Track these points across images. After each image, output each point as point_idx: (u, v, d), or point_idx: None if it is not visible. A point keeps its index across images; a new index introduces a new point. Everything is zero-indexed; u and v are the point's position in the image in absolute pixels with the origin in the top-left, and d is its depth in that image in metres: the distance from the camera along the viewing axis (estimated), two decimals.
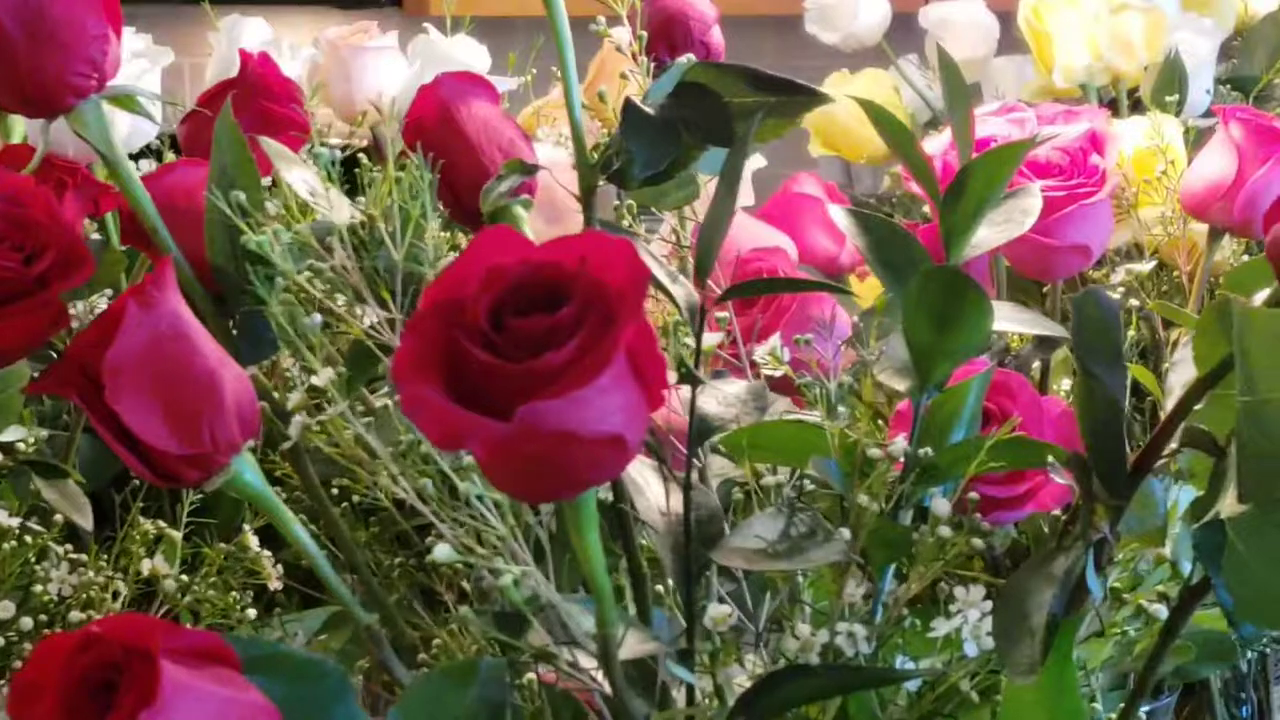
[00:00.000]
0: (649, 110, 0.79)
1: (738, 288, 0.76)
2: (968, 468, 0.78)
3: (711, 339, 0.75)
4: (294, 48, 1.35)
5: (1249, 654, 1.29)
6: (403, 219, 0.75)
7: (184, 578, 1.00)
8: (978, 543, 0.77)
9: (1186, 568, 0.83)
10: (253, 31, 1.37)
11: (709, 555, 0.74)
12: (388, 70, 1.38)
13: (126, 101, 0.80)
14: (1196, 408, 0.75)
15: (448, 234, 0.95)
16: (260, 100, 1.02)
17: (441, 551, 0.64)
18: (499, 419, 0.53)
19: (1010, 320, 0.88)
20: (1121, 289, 1.19)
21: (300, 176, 0.79)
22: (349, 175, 0.82)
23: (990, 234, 0.85)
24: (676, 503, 0.77)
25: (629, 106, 0.79)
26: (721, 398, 0.76)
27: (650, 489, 0.78)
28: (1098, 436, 0.74)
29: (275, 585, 1.00)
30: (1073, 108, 1.18)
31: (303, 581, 1.01)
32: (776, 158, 1.72)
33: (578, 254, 0.55)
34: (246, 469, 0.72)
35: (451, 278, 0.55)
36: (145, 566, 0.98)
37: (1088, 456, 0.74)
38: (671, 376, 0.75)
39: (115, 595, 0.98)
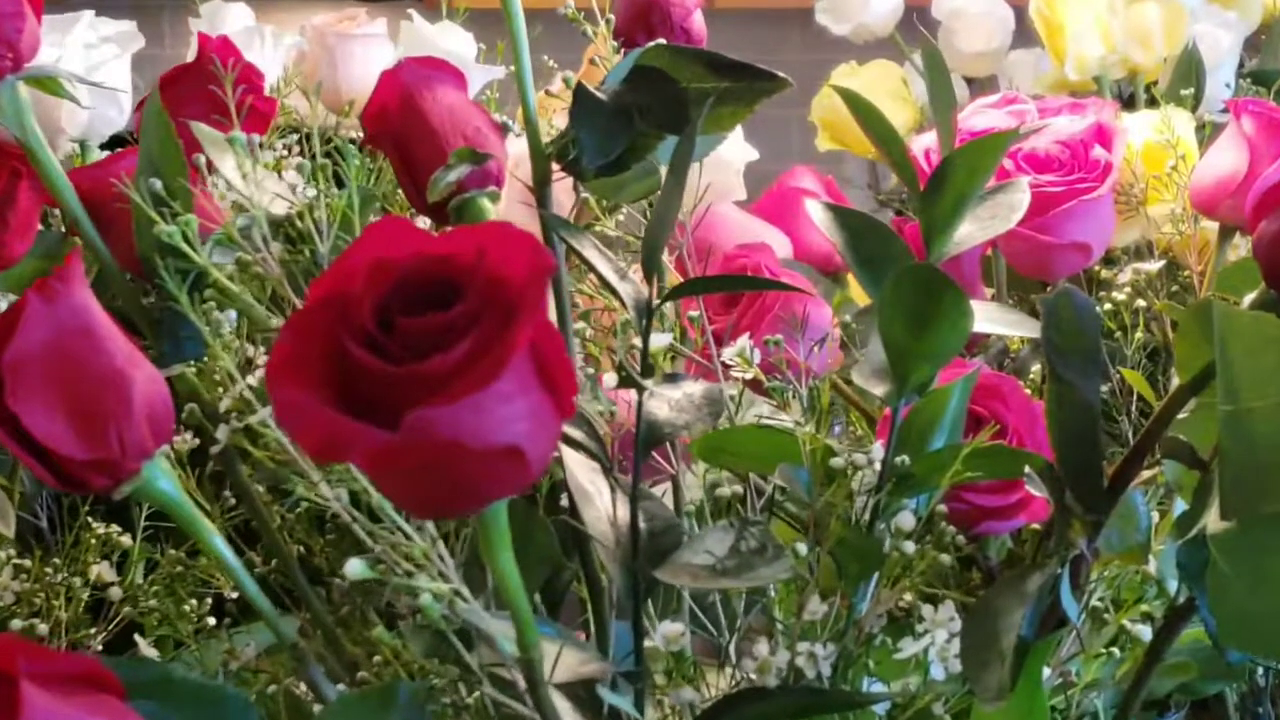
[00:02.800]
0: (600, 96, 0.74)
1: (680, 287, 0.71)
2: (944, 477, 0.74)
3: (660, 340, 0.71)
4: (276, 34, 1.31)
5: (1265, 668, 1.24)
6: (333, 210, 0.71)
7: (139, 583, 0.96)
8: (945, 558, 0.72)
9: (1173, 586, 0.78)
10: (235, 18, 1.33)
11: (654, 572, 0.69)
12: (376, 58, 1.34)
13: (49, 84, 0.76)
14: (1180, 416, 0.71)
15: None
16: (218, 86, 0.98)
17: (353, 568, 0.60)
18: (386, 428, 0.48)
19: (992, 321, 0.83)
20: (1129, 289, 1.14)
21: (232, 165, 0.75)
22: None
23: (974, 230, 0.80)
24: (628, 513, 0.72)
25: (579, 92, 0.75)
26: (673, 402, 0.72)
27: (601, 498, 0.73)
28: (1070, 447, 0.70)
29: (232, 594, 0.96)
30: (1079, 100, 1.14)
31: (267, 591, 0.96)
32: (793, 153, 1.68)
33: (475, 246, 0.50)
34: (160, 476, 0.67)
35: (338, 272, 0.50)
36: (94, 573, 0.94)
37: (1060, 468, 0.70)
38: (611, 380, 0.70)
39: (69, 601, 0.95)
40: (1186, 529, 0.69)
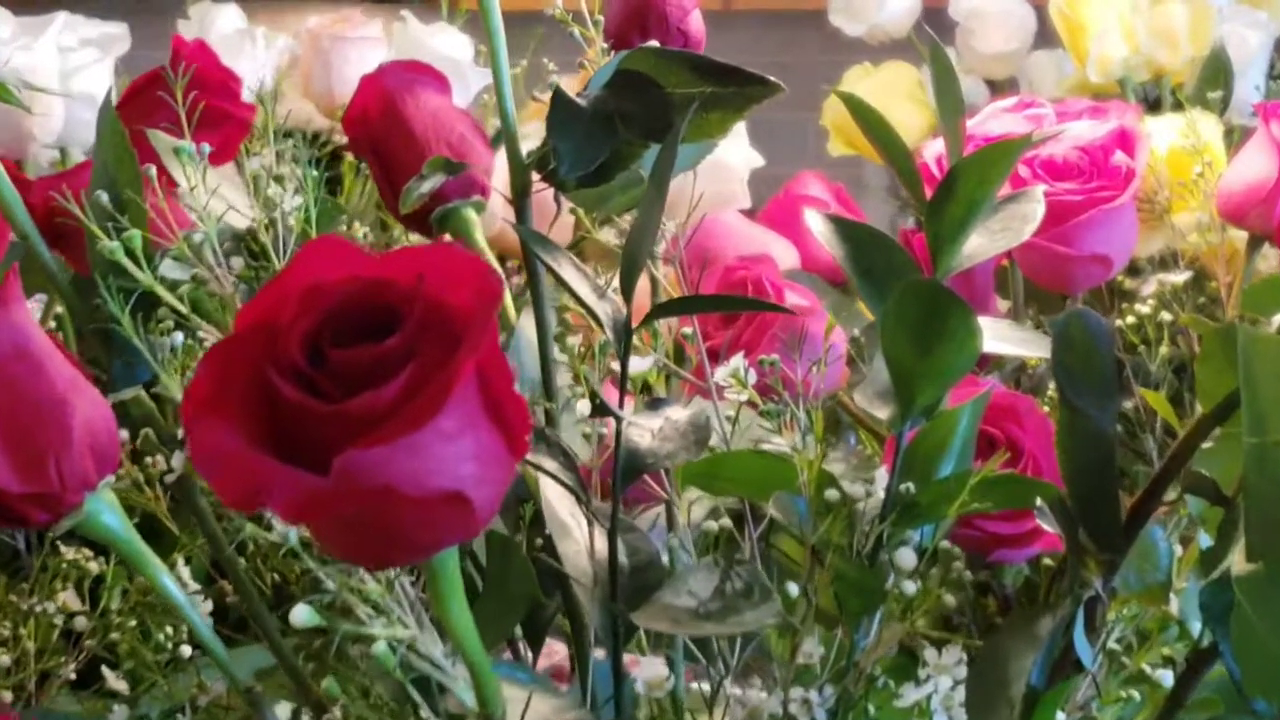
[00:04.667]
0: (579, 102, 0.69)
1: (661, 308, 0.66)
2: (951, 507, 0.69)
3: (641, 364, 0.66)
4: (268, 37, 1.27)
5: None
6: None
7: (111, 610, 0.91)
8: (950, 599, 0.68)
9: (1196, 627, 0.72)
10: (225, 19, 1.29)
11: (632, 615, 0.64)
12: (371, 61, 1.29)
13: None
14: (1205, 446, 0.65)
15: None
16: (190, 92, 0.93)
17: (299, 615, 0.55)
18: (316, 472, 0.43)
19: (1003, 340, 0.78)
20: (1153, 300, 1.08)
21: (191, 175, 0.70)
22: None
23: (985, 243, 0.75)
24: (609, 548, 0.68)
25: (556, 98, 0.70)
26: (655, 431, 0.67)
27: (579, 531, 0.68)
28: (1083, 481, 0.64)
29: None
30: (1100, 104, 1.09)
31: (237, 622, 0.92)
32: (809, 158, 1.64)
33: (415, 270, 0.45)
34: (104, 509, 0.62)
35: (267, 298, 0.46)
36: (60, 600, 0.89)
37: (1071, 504, 0.64)
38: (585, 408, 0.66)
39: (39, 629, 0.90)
40: (1210, 568, 0.64)
